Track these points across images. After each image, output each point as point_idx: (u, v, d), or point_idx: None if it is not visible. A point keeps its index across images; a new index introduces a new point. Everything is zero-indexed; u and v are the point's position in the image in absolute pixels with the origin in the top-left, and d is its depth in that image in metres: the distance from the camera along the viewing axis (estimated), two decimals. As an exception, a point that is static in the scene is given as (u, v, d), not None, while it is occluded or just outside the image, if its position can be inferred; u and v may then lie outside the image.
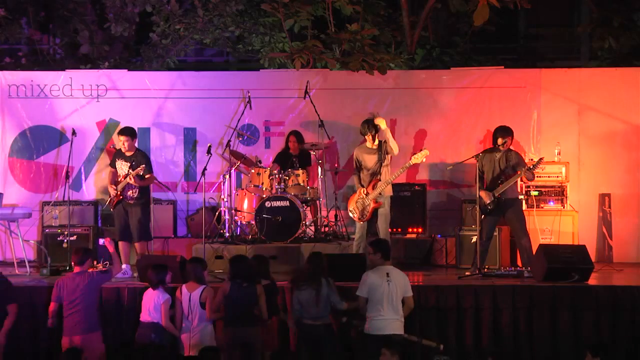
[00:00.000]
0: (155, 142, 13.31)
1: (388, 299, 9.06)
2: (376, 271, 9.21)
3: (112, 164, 11.64)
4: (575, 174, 12.80)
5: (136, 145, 11.62)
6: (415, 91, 13.34)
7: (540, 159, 11.32)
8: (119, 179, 11.41)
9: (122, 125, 12.78)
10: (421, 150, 11.16)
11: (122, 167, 11.43)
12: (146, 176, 11.38)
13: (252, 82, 13.30)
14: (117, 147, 11.83)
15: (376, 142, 11.16)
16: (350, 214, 11.32)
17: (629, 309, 9.91)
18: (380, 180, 11.04)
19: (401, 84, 13.36)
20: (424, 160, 11.16)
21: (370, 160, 11.15)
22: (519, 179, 11.23)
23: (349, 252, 11.26)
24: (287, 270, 11.32)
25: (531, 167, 11.11)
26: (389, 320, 9.06)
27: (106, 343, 9.88)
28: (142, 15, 14.62)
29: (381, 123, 11.10)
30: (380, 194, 11.03)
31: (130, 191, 11.36)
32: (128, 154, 11.45)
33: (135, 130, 11.68)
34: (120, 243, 11.50)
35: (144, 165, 11.27)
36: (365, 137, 11.19)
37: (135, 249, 11.48)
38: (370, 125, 11.12)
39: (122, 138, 11.42)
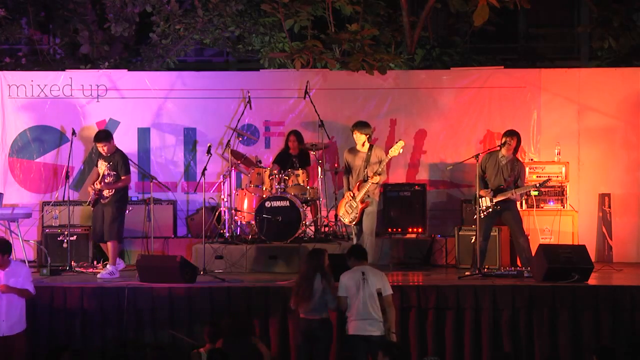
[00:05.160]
0: (155, 142, 13.31)
1: (364, 298, 9.05)
2: (352, 272, 9.24)
3: (95, 163, 11.65)
4: (575, 174, 12.80)
5: (115, 144, 11.55)
6: (415, 91, 13.34)
7: (548, 179, 11.42)
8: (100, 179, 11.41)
9: (122, 127, 12.88)
10: (396, 142, 11.16)
11: (102, 166, 11.43)
12: (122, 177, 11.32)
13: (252, 82, 13.30)
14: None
15: (366, 145, 11.16)
16: (342, 219, 11.35)
17: (629, 309, 9.91)
18: (364, 181, 11.04)
19: (401, 84, 13.35)
20: (401, 151, 11.13)
21: (357, 162, 11.18)
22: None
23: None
24: (286, 271, 11.36)
25: (538, 185, 11.18)
26: (366, 320, 9.03)
27: (106, 343, 9.92)
28: (142, 15, 14.60)
29: (376, 180, 11.08)
30: (368, 195, 11.03)
31: (107, 190, 11.32)
32: (107, 154, 11.42)
33: (109, 133, 11.63)
34: (102, 245, 11.49)
35: (115, 173, 11.23)
36: (353, 137, 11.21)
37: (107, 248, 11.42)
38: (356, 126, 11.15)
39: (100, 144, 11.40)
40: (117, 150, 11.53)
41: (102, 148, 11.39)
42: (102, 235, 11.42)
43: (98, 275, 11.19)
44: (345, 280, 9.18)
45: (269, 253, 11.66)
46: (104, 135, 11.52)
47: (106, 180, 11.27)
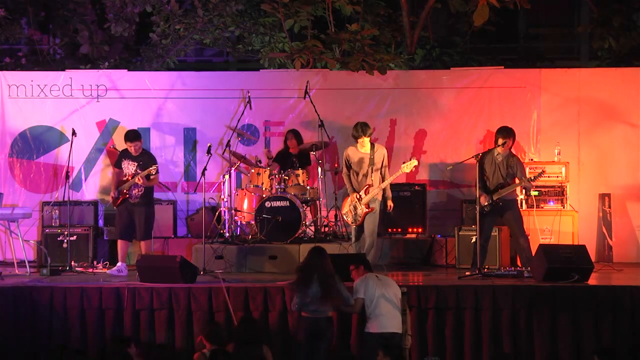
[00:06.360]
0: (155, 142, 13.31)
1: (385, 295, 9.20)
2: (365, 277, 9.39)
3: (118, 164, 11.72)
4: (575, 174, 12.80)
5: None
6: (415, 91, 13.34)
7: (541, 172, 11.42)
8: (126, 179, 11.47)
9: (122, 127, 12.89)
10: (410, 159, 11.21)
11: (129, 166, 11.52)
12: (151, 177, 11.44)
13: (252, 82, 13.30)
14: (121, 149, 11.93)
15: (368, 146, 11.13)
16: (345, 217, 11.35)
17: (629, 309, 9.89)
18: (372, 185, 11.03)
19: (401, 84, 13.35)
20: (413, 169, 11.21)
21: (361, 164, 11.12)
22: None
23: (349, 252, 11.26)
24: (287, 271, 11.35)
25: (532, 178, 11.15)
26: (387, 315, 9.18)
27: (105, 342, 9.92)
28: (142, 15, 14.60)
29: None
30: (374, 198, 11.03)
31: (136, 190, 11.45)
32: (135, 154, 11.56)
33: (139, 132, 11.79)
34: (119, 241, 11.57)
35: (156, 166, 11.43)
36: (358, 140, 11.14)
37: (140, 248, 11.57)
38: (363, 129, 11.08)
39: (132, 144, 11.55)
40: (145, 150, 11.74)
41: (133, 147, 11.53)
42: (128, 234, 11.56)
43: (107, 272, 11.44)
44: (362, 283, 9.30)
45: (269, 253, 11.66)
46: (134, 135, 11.65)
47: (139, 181, 11.37)
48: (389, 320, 9.19)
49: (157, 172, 11.54)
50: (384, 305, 9.20)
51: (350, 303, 9.32)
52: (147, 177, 11.44)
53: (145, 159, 11.53)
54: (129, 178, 11.46)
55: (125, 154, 11.68)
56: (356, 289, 9.31)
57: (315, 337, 9.20)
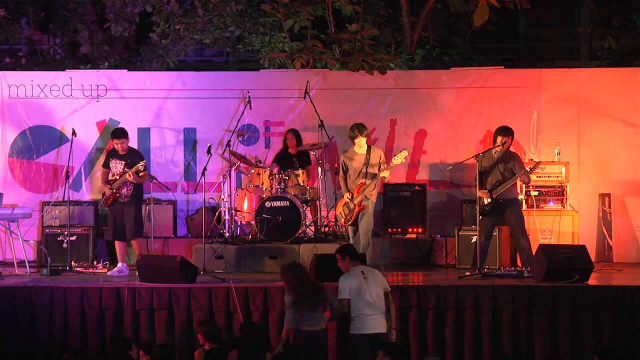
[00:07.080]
0: (155, 142, 13.31)
1: (370, 295, 9.09)
2: (351, 272, 9.24)
3: (106, 164, 11.72)
4: (575, 174, 12.80)
5: (129, 143, 11.74)
6: (415, 91, 13.34)
7: (537, 163, 11.39)
8: (114, 178, 11.47)
9: (120, 126, 12.85)
10: (400, 151, 11.16)
11: (117, 166, 11.52)
12: (140, 174, 11.43)
13: (252, 82, 13.31)
14: (111, 148, 11.93)
15: (364, 147, 11.14)
16: (338, 218, 11.35)
17: (629, 309, 9.90)
18: (365, 183, 11.04)
19: (401, 84, 13.36)
20: (404, 160, 11.18)
21: (357, 163, 11.13)
22: (517, 180, 11.24)
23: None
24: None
25: (528, 169, 11.13)
26: (373, 316, 9.08)
27: (106, 343, 9.92)
28: (142, 15, 14.60)
29: (385, 174, 11.12)
30: (365, 197, 11.02)
31: (125, 189, 11.45)
32: (122, 152, 11.54)
33: (126, 130, 11.79)
34: (116, 242, 11.57)
35: (144, 162, 11.43)
36: (355, 141, 11.15)
37: (133, 248, 11.56)
38: (359, 129, 11.09)
39: (118, 141, 11.53)
40: (132, 148, 11.75)
41: (120, 145, 11.54)
42: (122, 234, 11.56)
43: (108, 273, 11.45)
44: (347, 282, 9.16)
45: (269, 253, 11.67)
46: (121, 132, 11.70)
47: (130, 177, 11.37)
48: (376, 321, 9.08)
49: (144, 168, 11.52)
50: (370, 305, 9.06)
51: (336, 306, 9.19)
52: (137, 173, 11.43)
53: (133, 158, 11.52)
54: (117, 177, 11.45)
55: (112, 154, 11.69)
56: (340, 289, 9.16)
57: (312, 349, 9.08)
